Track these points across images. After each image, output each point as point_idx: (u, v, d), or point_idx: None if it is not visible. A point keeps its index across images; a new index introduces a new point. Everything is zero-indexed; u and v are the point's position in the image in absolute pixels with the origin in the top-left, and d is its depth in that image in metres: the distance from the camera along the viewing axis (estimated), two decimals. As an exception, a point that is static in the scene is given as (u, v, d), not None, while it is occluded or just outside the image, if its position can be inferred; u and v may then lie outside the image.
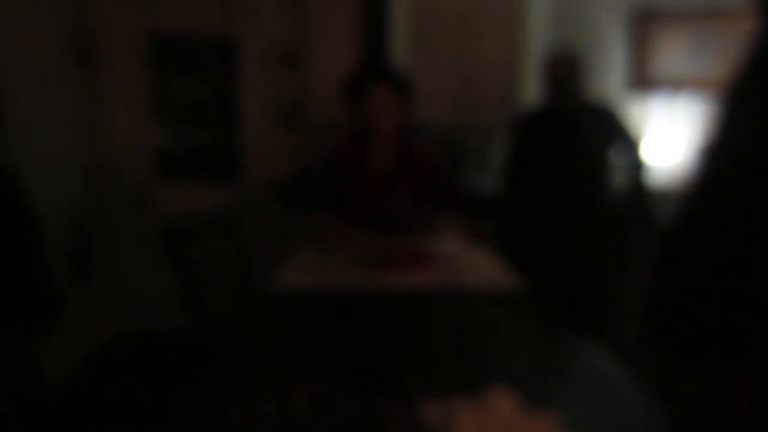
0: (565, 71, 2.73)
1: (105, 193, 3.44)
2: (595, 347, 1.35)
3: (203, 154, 3.58)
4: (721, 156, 0.97)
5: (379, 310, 1.64)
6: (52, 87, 3.00)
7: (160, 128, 3.52)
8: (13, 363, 2.27)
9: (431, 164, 2.41)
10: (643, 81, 3.16)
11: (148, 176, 3.51)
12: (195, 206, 3.53)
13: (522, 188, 2.80)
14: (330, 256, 2.12)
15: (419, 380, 1.13)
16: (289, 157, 3.50)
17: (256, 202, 3.48)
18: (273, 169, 3.49)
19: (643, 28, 3.11)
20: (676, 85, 3.02)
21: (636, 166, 2.68)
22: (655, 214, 2.73)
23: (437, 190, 2.40)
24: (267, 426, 0.98)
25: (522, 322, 1.60)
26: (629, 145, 2.67)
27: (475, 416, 0.89)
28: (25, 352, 2.29)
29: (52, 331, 2.24)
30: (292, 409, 1.05)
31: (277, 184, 3.37)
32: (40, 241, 2.25)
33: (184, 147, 3.57)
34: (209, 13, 3.40)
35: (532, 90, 3.22)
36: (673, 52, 2.99)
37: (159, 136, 3.53)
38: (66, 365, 2.89)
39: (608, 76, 3.23)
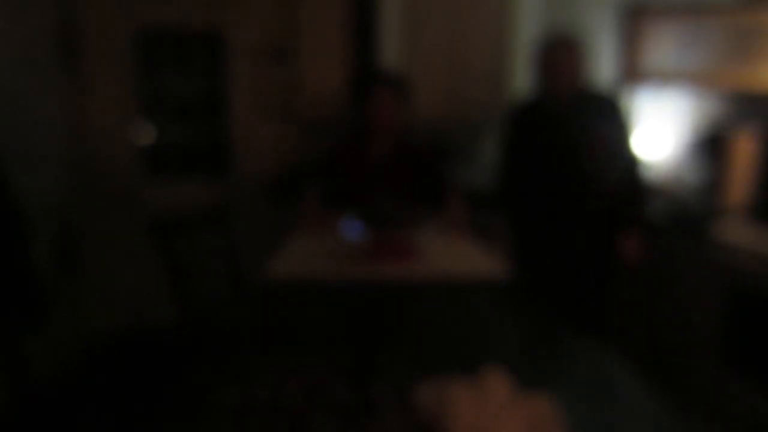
0: (565, 57, 2.42)
1: (93, 189, 3.40)
2: (583, 336, 1.36)
3: (192, 150, 3.55)
4: None
5: (369, 299, 1.64)
6: (38, 82, 2.96)
7: (148, 124, 3.49)
8: (2, 358, 2.24)
9: (425, 158, 2.58)
10: (633, 74, 3.16)
11: (136, 172, 3.48)
12: (184, 202, 3.51)
13: (516, 183, 2.68)
14: (318, 246, 2.12)
15: (412, 365, 1.13)
16: (279, 153, 3.49)
17: (246, 197, 3.46)
18: (262, 164, 3.47)
19: (633, 21, 3.12)
20: (665, 78, 3.03)
21: (634, 163, 2.53)
22: (650, 210, 2.69)
23: (429, 183, 2.53)
24: (261, 410, 0.98)
25: (512, 311, 1.61)
26: (630, 140, 2.50)
27: (469, 396, 0.89)
28: (14, 347, 2.26)
29: (41, 326, 2.22)
30: (286, 394, 1.04)
31: (268, 183, 3.37)
32: (26, 237, 2.23)
33: (173, 143, 3.53)
34: (198, 8, 3.37)
35: (522, 84, 3.22)
36: (662, 45, 3.00)
37: (147, 132, 3.49)
38: (56, 360, 2.86)
39: (597, 69, 3.23)
